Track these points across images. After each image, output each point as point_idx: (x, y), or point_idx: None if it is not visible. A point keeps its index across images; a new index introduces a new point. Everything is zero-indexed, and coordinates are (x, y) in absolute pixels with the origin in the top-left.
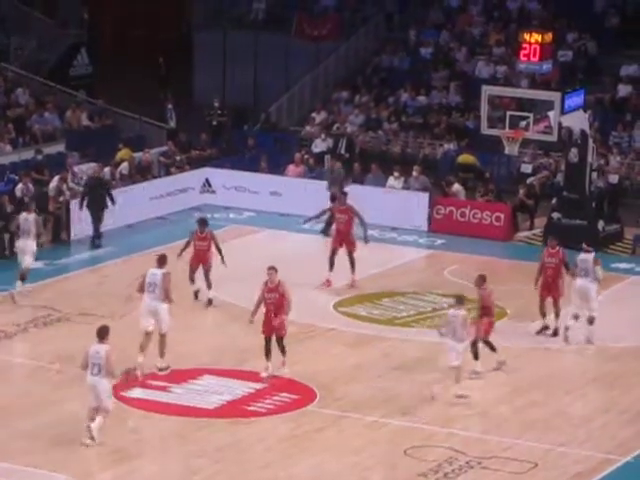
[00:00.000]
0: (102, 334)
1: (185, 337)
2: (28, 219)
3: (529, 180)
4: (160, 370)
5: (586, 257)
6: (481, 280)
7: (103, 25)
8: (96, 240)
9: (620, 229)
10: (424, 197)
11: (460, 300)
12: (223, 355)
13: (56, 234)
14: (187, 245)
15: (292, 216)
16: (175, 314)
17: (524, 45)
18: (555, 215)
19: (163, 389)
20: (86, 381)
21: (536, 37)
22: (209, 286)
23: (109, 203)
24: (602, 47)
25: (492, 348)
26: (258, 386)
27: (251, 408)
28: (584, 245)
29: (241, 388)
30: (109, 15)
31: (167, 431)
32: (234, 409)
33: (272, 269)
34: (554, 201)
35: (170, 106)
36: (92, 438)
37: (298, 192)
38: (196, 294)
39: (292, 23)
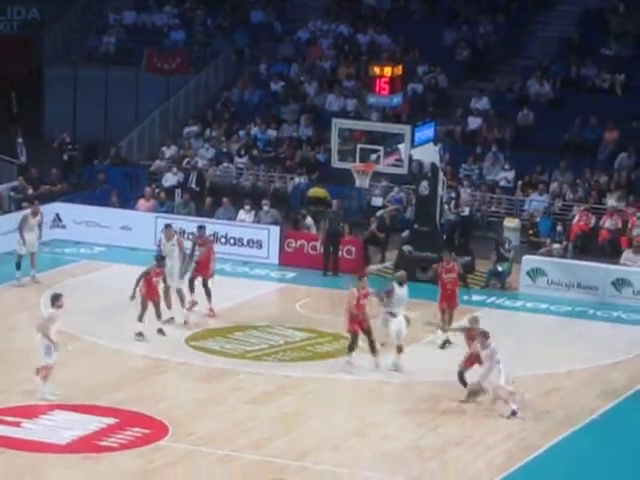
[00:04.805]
0: (53, 299)
1: None
2: None
3: (379, 213)
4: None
5: None
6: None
7: None
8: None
9: (471, 261)
10: (275, 231)
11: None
12: (74, 390)
13: None
14: (138, 283)
15: (142, 250)
16: (28, 351)
17: (374, 78)
18: (406, 248)
19: (15, 424)
20: None
21: (386, 70)
22: (159, 317)
23: None
24: (452, 80)
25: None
26: (110, 421)
27: (103, 443)
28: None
29: (93, 423)
30: None
31: (19, 467)
32: (85, 444)
33: (365, 276)
34: (405, 234)
35: (20, 141)
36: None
37: (149, 226)
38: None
39: (142, 57)
